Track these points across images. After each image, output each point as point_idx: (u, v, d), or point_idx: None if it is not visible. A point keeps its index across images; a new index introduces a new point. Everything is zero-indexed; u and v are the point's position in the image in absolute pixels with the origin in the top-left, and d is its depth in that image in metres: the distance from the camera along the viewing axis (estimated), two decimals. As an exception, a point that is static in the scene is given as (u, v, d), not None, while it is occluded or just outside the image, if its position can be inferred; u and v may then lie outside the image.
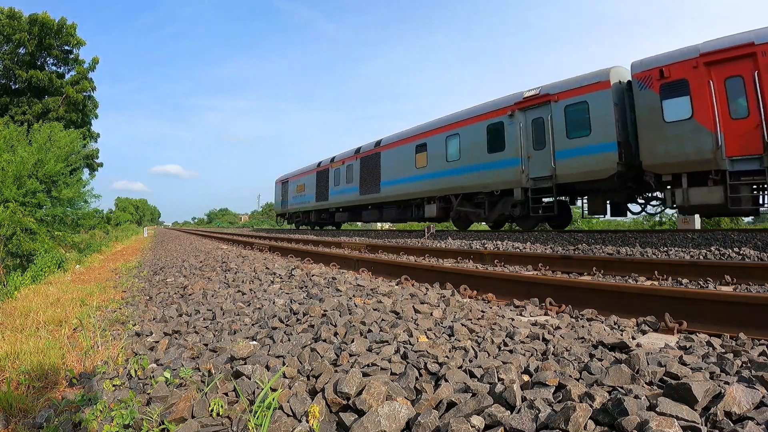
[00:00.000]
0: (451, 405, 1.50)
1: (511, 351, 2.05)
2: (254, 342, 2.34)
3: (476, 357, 1.99)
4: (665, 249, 7.55)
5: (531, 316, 2.99)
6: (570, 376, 1.70)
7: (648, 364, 1.75)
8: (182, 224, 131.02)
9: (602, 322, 2.73)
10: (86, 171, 28.37)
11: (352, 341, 2.13)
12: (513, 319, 2.67)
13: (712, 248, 7.29)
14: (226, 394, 1.80)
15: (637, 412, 1.29)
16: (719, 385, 1.43)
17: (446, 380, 1.68)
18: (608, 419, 1.30)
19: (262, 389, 1.65)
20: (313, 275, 4.43)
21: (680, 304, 2.71)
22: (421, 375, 1.79)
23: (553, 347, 2.07)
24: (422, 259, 7.37)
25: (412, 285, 4.09)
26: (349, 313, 2.67)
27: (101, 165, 32.72)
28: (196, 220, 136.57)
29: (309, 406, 1.58)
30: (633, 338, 2.39)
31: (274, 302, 3.27)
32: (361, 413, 1.50)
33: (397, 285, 4.04)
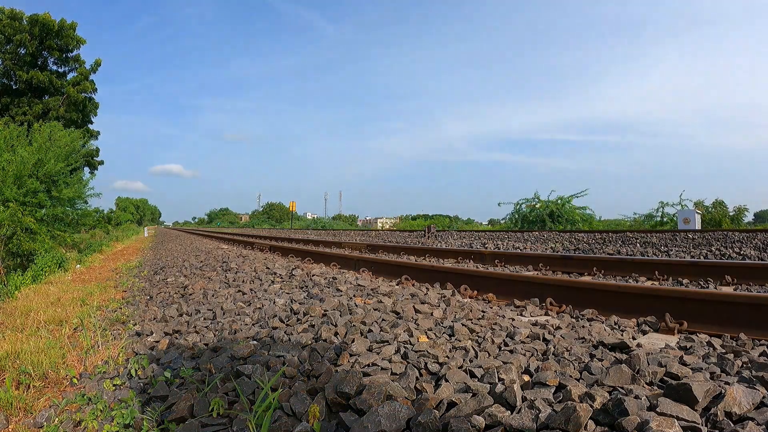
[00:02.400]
0: (451, 405, 1.50)
1: (511, 351, 2.05)
2: (254, 342, 2.34)
3: (476, 357, 1.99)
4: (666, 249, 7.55)
5: (531, 316, 2.98)
6: (570, 376, 1.70)
7: (648, 364, 1.75)
8: (183, 224, 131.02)
9: (603, 323, 2.73)
10: (86, 170, 28.42)
11: (353, 341, 2.13)
12: (513, 319, 2.67)
13: (713, 248, 7.29)
14: (227, 394, 1.80)
15: (637, 412, 1.29)
16: (720, 386, 1.43)
17: (446, 380, 1.68)
18: (608, 419, 1.30)
19: (263, 389, 1.65)
20: (313, 275, 4.43)
21: (681, 304, 2.71)
22: (421, 375, 1.79)
23: (554, 347, 2.07)
24: (423, 259, 7.38)
25: (413, 285, 4.09)
26: (350, 313, 2.68)
27: (102, 163, 32.75)
28: (196, 220, 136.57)
29: (309, 405, 1.58)
30: (633, 338, 2.39)
31: (274, 302, 3.27)
32: (361, 413, 1.50)
33: (397, 285, 4.04)
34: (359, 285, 3.75)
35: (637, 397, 1.42)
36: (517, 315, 2.95)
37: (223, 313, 3.22)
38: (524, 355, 1.99)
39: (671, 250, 7.33)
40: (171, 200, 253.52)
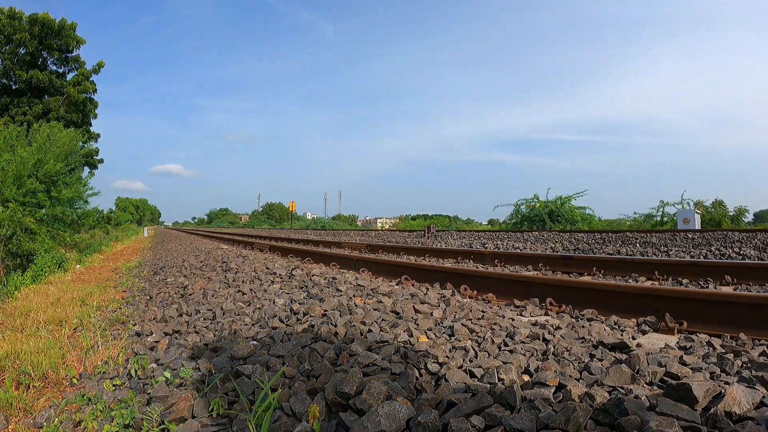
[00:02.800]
0: (451, 405, 1.50)
1: (511, 351, 2.05)
2: (254, 342, 2.34)
3: (476, 357, 1.99)
4: (665, 249, 7.55)
5: (531, 316, 2.99)
6: (570, 376, 1.70)
7: (648, 364, 1.75)
8: (182, 224, 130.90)
9: (602, 323, 2.73)
10: (86, 169, 28.42)
11: (352, 341, 2.13)
12: (513, 319, 2.67)
13: (712, 248, 7.29)
14: (226, 394, 1.80)
15: (637, 411, 1.29)
16: (719, 386, 1.43)
17: (446, 380, 1.68)
18: (608, 419, 1.31)
19: (263, 389, 1.65)
20: (313, 275, 4.43)
21: (680, 304, 2.71)
22: (421, 375, 1.79)
23: (554, 347, 2.08)
24: (423, 259, 7.38)
25: (413, 285, 4.09)
26: (350, 313, 2.68)
27: (101, 161, 32.76)
28: (196, 220, 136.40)
29: (309, 405, 1.58)
30: (633, 338, 2.39)
31: (274, 302, 3.27)
32: (361, 413, 1.50)
33: (397, 285, 4.04)
34: (359, 285, 3.75)
35: (636, 397, 1.42)
36: (517, 315, 2.95)
37: (223, 313, 3.22)
38: (524, 355, 1.99)
39: (671, 250, 7.33)
40: (171, 200, 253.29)
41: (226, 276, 5.06)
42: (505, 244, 10.14)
